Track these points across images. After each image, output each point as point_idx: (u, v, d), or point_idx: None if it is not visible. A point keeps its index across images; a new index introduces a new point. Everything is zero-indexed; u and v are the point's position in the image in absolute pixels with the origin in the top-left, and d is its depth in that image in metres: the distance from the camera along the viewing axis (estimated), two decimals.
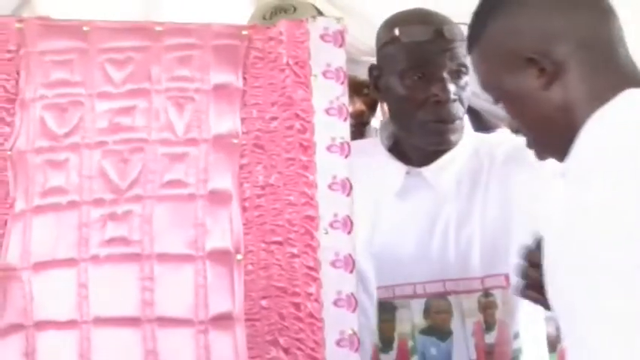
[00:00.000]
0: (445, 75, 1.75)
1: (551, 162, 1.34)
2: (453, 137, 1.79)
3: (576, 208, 1.11)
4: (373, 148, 1.81)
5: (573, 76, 1.19)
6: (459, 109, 1.78)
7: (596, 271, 1.03)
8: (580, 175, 1.14)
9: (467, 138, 1.84)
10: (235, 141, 1.46)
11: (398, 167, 1.76)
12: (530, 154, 1.35)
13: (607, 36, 1.21)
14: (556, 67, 1.18)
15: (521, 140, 1.34)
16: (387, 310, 1.68)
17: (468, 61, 1.78)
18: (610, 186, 1.07)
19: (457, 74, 1.78)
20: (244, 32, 1.52)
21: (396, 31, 1.75)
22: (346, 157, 1.45)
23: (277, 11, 1.93)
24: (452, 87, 1.75)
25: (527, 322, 1.72)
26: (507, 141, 1.82)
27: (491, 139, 1.91)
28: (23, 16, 1.51)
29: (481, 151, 1.84)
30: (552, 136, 1.22)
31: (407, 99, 1.73)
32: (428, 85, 1.76)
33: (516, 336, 1.71)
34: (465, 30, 1.72)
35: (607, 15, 1.21)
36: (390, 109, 1.85)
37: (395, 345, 1.68)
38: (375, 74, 1.79)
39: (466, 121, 1.79)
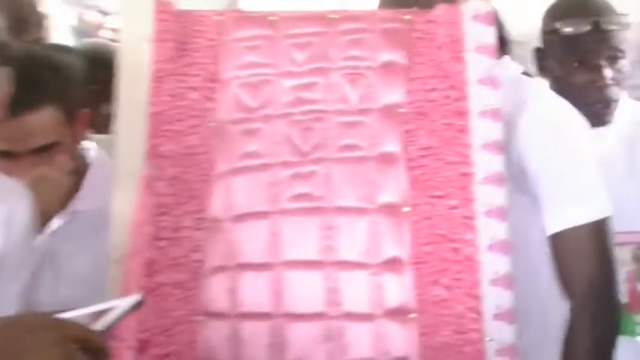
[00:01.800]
0: (602, 62, 1.85)
1: None
2: (608, 118, 1.90)
3: None
4: None
5: None
6: (615, 92, 1.88)
7: None
8: None
9: (624, 108, 1.95)
10: (401, 110, 1.53)
11: None
12: None
13: None
14: None
15: None
16: None
17: (623, 46, 1.91)
18: None
19: (614, 59, 1.88)
20: (407, 17, 1.58)
21: (557, 25, 1.87)
22: (497, 120, 1.51)
23: None
24: (608, 72, 1.85)
25: None
26: None
27: None
28: (221, 10, 1.62)
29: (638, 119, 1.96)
30: None
31: (567, 82, 1.83)
32: (585, 72, 1.87)
33: None
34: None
35: None
36: (554, 89, 1.98)
37: None
38: (539, 56, 1.91)
39: None
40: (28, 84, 1.72)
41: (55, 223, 1.91)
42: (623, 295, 1.75)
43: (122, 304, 1.15)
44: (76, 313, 1.12)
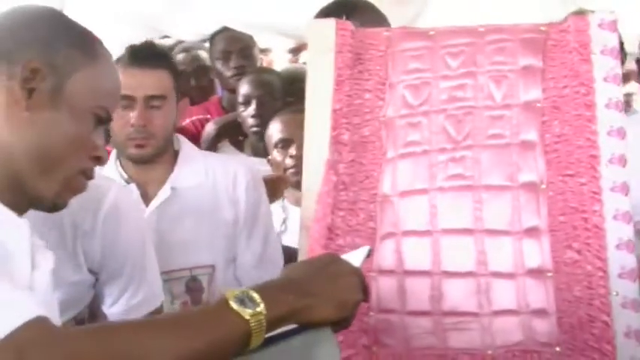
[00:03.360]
0: None
1: None
2: None
3: None
4: None
5: None
6: None
7: None
8: None
9: None
10: (538, 105, 1.66)
11: None
12: None
13: None
14: None
15: None
16: None
17: None
18: None
19: None
20: (543, 28, 1.74)
21: None
22: (620, 111, 1.63)
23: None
24: None
25: None
26: None
27: None
28: (389, 27, 1.82)
29: None
30: None
31: None
32: None
33: None
34: None
35: None
36: None
37: None
38: None
39: None
40: (155, 52, 2.43)
41: (158, 199, 2.35)
42: None
43: (357, 254, 1.45)
44: None
